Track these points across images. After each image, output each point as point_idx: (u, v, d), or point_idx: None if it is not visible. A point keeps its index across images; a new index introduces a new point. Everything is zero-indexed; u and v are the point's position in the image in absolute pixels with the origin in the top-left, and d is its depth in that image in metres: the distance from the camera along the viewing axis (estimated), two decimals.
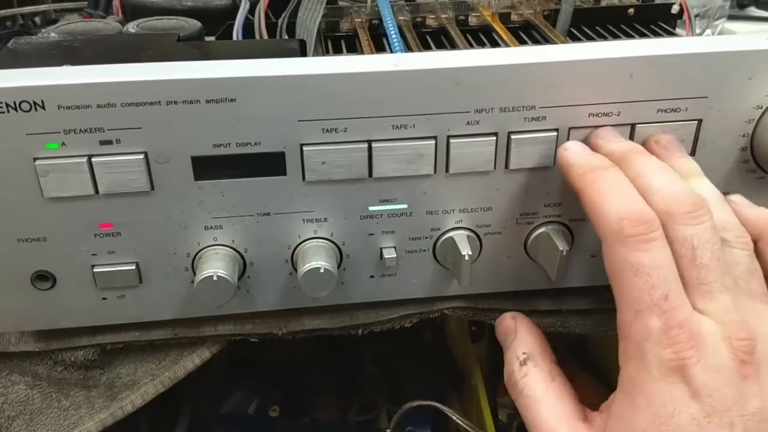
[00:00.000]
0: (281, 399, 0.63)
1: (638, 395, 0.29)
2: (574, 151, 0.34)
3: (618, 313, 0.30)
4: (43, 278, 0.36)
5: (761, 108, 0.35)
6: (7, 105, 0.31)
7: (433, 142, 0.35)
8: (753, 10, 0.82)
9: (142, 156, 0.33)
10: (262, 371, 0.64)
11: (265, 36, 0.47)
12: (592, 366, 0.71)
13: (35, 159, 0.33)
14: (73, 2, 0.76)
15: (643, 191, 0.31)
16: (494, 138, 0.35)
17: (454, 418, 0.52)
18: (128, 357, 0.41)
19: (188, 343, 0.41)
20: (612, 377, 0.31)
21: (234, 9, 0.52)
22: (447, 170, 0.36)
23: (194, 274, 0.37)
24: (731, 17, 0.74)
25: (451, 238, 0.38)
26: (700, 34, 0.58)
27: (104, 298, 0.38)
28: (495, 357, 0.74)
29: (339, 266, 0.38)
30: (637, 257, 0.29)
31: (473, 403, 0.63)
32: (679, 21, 0.55)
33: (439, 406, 0.53)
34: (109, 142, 0.33)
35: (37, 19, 0.80)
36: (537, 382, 0.34)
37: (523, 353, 0.34)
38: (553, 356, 0.36)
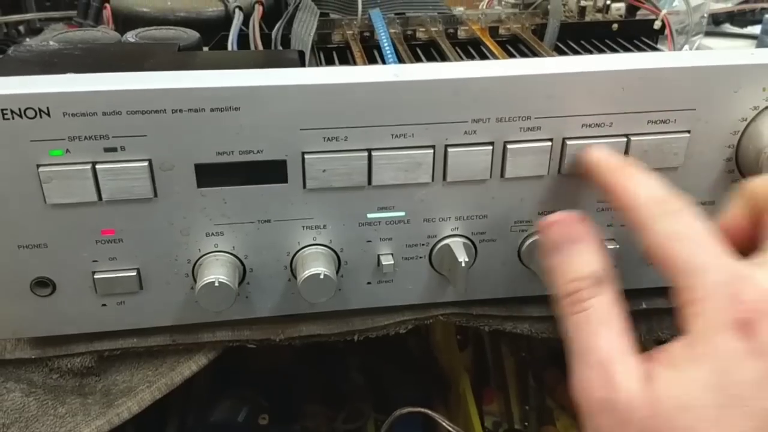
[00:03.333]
0: (270, 408, 0.63)
1: (699, 346, 0.27)
2: (603, 151, 0.35)
3: (674, 282, 0.29)
4: (43, 285, 0.36)
5: (746, 120, 0.37)
6: (12, 111, 0.31)
7: (432, 151, 0.36)
8: (728, 27, 0.85)
9: (146, 163, 0.34)
10: (250, 380, 0.65)
11: (260, 47, 0.48)
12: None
13: (39, 166, 0.33)
14: (60, 12, 0.76)
15: None
16: (491, 147, 0.36)
17: (444, 424, 0.53)
18: (124, 364, 0.41)
19: (185, 350, 0.41)
20: None
21: (226, 20, 0.53)
22: (444, 178, 0.37)
23: (194, 280, 0.37)
24: (708, 33, 0.76)
25: (448, 245, 0.39)
26: (679, 50, 0.59)
27: (104, 305, 0.38)
28: (481, 365, 0.75)
29: (337, 273, 0.38)
30: (677, 227, 0.30)
31: (460, 410, 0.64)
32: (660, 36, 0.57)
33: (430, 412, 0.53)
34: (114, 149, 0.33)
35: (21, 28, 0.80)
36: (606, 306, 0.31)
37: (596, 272, 0.31)
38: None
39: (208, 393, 0.63)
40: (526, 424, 0.72)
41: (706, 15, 0.75)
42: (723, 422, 0.26)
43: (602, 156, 0.35)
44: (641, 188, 0.32)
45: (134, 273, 0.37)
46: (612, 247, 0.39)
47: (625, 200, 0.32)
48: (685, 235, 0.29)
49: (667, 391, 0.27)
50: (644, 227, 0.30)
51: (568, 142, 0.36)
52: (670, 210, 0.30)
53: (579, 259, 0.32)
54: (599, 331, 0.30)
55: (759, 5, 0.86)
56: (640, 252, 0.31)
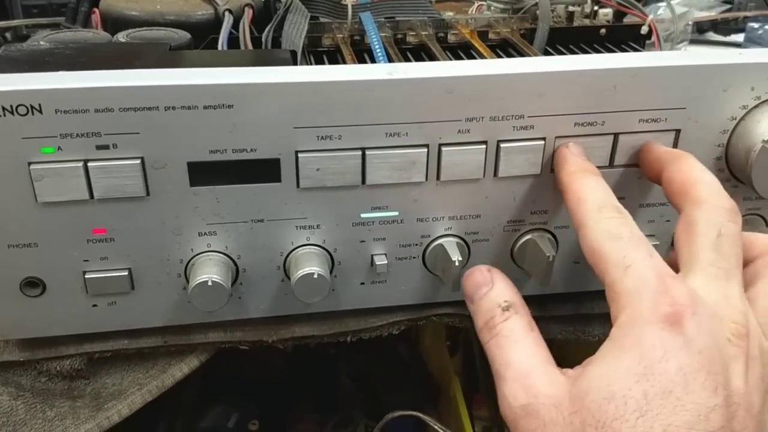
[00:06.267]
0: (260, 414, 0.62)
1: (626, 338, 0.28)
2: (572, 152, 0.36)
3: (605, 278, 0.30)
4: (33, 285, 0.36)
5: (735, 119, 0.37)
6: (4, 109, 0.31)
7: (425, 150, 0.36)
8: (711, 35, 0.86)
9: (138, 161, 0.33)
10: (241, 386, 0.64)
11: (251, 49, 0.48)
12: None
13: (30, 163, 0.33)
14: (47, 18, 0.76)
15: None
16: (484, 146, 0.36)
17: (436, 427, 0.53)
18: (115, 366, 0.41)
19: (176, 352, 0.41)
20: None
21: (216, 23, 0.53)
22: (438, 178, 0.37)
23: (187, 280, 0.37)
24: (692, 41, 0.77)
25: (441, 245, 0.39)
26: None
27: (95, 305, 0.37)
28: (470, 371, 0.75)
29: (331, 273, 0.38)
30: (617, 228, 0.31)
31: (450, 414, 0.64)
32: (647, 42, 0.58)
33: (421, 415, 0.53)
34: (106, 147, 0.33)
35: (8, 35, 0.79)
36: (517, 327, 0.32)
37: (505, 301, 0.33)
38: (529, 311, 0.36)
39: (199, 398, 0.63)
40: None
41: (690, 23, 0.76)
42: (651, 412, 0.26)
43: (569, 155, 0.36)
44: (588, 193, 0.34)
45: (126, 273, 0.36)
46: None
47: (573, 203, 0.34)
48: (621, 236, 0.31)
49: (591, 383, 0.27)
50: (584, 226, 0.32)
51: (561, 141, 0.36)
52: (610, 215, 0.32)
53: (486, 298, 0.34)
54: (514, 347, 0.31)
55: (742, 14, 0.88)
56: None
